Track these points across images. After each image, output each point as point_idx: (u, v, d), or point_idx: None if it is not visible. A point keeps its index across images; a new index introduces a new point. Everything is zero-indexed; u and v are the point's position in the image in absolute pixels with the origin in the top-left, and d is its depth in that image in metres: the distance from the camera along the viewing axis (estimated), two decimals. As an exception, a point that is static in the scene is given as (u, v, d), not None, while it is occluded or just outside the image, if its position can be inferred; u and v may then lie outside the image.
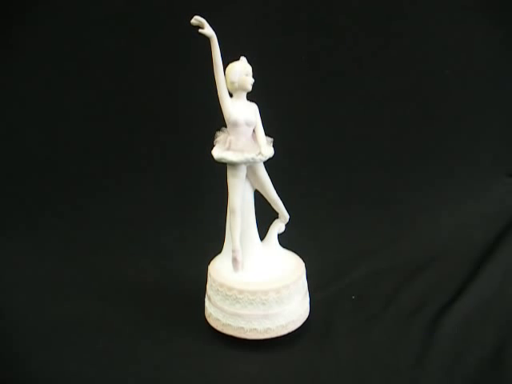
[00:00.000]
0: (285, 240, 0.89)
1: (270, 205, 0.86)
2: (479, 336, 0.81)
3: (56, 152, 1.29)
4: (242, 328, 0.79)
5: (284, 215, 0.87)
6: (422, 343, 0.79)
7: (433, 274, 1.00)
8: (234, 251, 0.81)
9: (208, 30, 0.74)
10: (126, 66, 1.27)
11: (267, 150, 0.78)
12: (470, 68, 1.21)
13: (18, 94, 1.27)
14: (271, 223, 0.88)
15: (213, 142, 0.81)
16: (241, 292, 0.79)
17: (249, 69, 0.78)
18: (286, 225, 0.88)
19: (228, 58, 0.78)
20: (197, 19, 0.74)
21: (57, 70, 1.26)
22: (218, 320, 0.81)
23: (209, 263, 0.87)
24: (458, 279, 0.97)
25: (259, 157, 0.77)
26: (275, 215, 0.88)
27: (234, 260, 0.81)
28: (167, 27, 1.22)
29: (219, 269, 0.84)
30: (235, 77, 0.77)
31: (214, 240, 0.91)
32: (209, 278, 0.84)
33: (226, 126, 0.81)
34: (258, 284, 0.79)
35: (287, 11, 1.21)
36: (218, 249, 0.89)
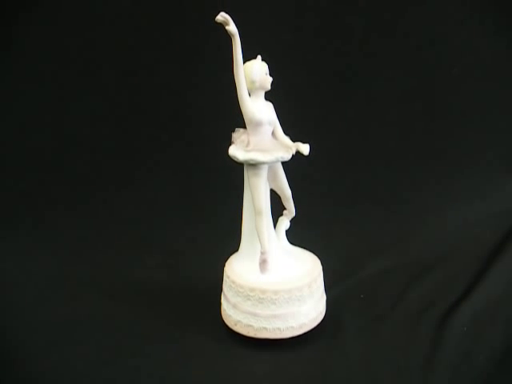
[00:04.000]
0: (294, 239, 0.89)
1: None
2: (488, 335, 0.81)
3: (67, 151, 1.26)
4: (279, 328, 0.78)
5: (292, 211, 0.87)
6: (431, 343, 0.79)
7: (441, 273, 1.00)
8: (263, 253, 0.79)
9: (233, 28, 0.71)
10: (134, 65, 1.24)
11: (305, 147, 0.77)
12: (478, 67, 1.24)
13: (26, 90, 1.23)
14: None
15: (225, 142, 0.78)
16: (276, 293, 0.77)
17: (266, 67, 0.77)
18: (295, 225, 0.88)
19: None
20: (223, 16, 0.71)
21: (66, 67, 1.23)
22: (251, 326, 0.79)
23: (224, 264, 0.84)
24: (466, 279, 0.97)
25: (289, 155, 0.77)
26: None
27: (264, 262, 0.79)
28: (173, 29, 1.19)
29: (243, 273, 0.81)
30: (256, 76, 0.75)
31: (223, 239, 0.90)
32: (232, 285, 0.81)
33: (239, 126, 0.79)
34: (290, 281, 0.79)
35: (295, 11, 1.20)
36: (228, 248, 0.87)
